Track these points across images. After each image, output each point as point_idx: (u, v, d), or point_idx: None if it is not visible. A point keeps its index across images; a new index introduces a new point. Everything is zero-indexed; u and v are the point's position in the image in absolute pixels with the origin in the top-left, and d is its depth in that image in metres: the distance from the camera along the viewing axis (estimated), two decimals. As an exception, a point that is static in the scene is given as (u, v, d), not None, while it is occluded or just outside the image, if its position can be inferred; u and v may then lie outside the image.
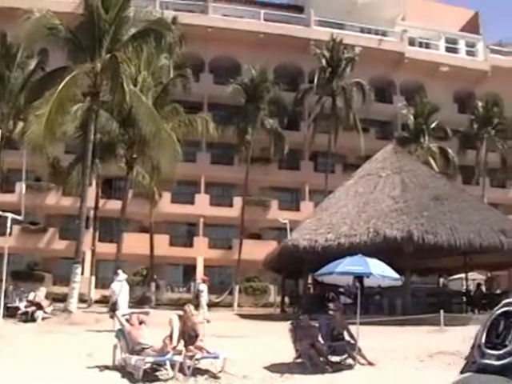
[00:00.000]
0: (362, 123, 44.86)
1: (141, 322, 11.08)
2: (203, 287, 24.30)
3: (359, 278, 12.66)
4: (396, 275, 12.21)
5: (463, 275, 29.58)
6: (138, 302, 28.06)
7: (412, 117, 46.38)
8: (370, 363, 10.99)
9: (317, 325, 11.73)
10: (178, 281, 45.03)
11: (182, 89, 34.46)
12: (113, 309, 17.42)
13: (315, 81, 43.54)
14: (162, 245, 41.57)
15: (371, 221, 23.99)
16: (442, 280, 33.30)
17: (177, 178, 32.20)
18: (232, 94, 41.33)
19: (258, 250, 37.22)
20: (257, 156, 43.76)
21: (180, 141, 28.47)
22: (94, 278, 35.05)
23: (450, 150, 45.73)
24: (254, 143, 41.59)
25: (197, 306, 23.72)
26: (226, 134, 38.53)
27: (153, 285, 37.04)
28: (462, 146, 47.94)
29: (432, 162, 41.83)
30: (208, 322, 21.85)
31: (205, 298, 23.98)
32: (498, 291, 29.25)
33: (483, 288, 29.77)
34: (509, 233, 23.82)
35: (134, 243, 37.34)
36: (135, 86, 27.15)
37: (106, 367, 10.25)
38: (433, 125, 45.84)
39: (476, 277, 32.62)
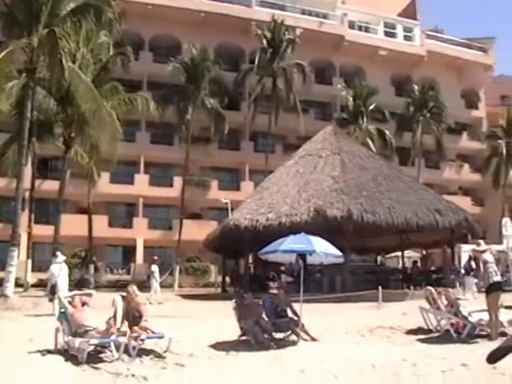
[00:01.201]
0: (302, 104, 45.23)
1: (83, 304, 10.89)
2: (155, 268, 24.19)
3: (302, 255, 12.85)
4: (338, 253, 12.45)
5: (400, 253, 30.44)
6: (77, 284, 27.60)
7: (351, 99, 47.09)
8: (313, 339, 11.19)
9: (260, 303, 11.87)
10: (117, 262, 44.64)
11: (122, 67, 33.78)
12: (52, 292, 17.07)
13: (256, 61, 43.57)
14: (101, 226, 41.04)
15: (312, 200, 24.31)
16: (379, 258, 34.11)
17: (116, 157, 31.69)
18: (172, 73, 40.97)
19: (198, 231, 37.22)
20: (197, 136, 43.52)
21: (120, 120, 27.98)
22: (30, 261, 34.26)
23: (387, 132, 46.69)
24: (194, 123, 41.35)
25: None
26: (165, 113, 38.16)
27: (91, 267, 36.56)
28: (399, 128, 49.08)
29: (370, 143, 42.60)
30: (160, 303, 21.79)
31: (157, 278, 23.87)
32: (433, 268, 30.24)
33: (419, 265, 30.70)
34: (443, 212, 24.63)
35: (72, 225, 36.64)
36: (74, 62, 26.36)
37: (49, 351, 10.02)
38: (371, 107, 46.70)
39: (412, 255, 33.62)
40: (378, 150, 40.23)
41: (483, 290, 12.13)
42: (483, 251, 11.65)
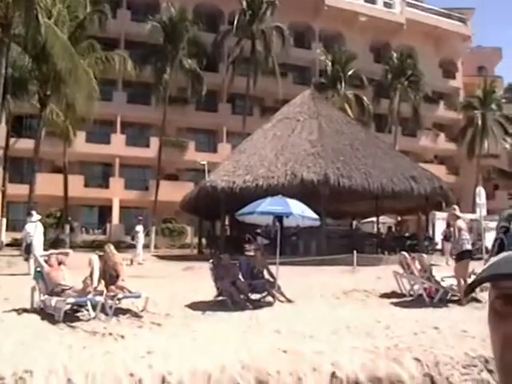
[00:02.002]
0: (280, 68, 44.99)
1: (60, 263, 10.90)
2: (139, 228, 24.13)
3: (279, 218, 12.95)
4: (315, 215, 12.57)
5: (375, 219, 30.78)
6: (52, 244, 27.47)
7: (330, 64, 46.91)
8: (289, 300, 11.37)
9: (237, 264, 11.98)
10: (93, 222, 44.48)
11: (99, 25, 33.12)
12: (27, 251, 17.03)
13: (235, 23, 43.09)
14: (77, 186, 40.72)
15: (289, 164, 24.39)
16: (354, 223, 34.49)
17: (92, 116, 31.27)
18: (150, 33, 40.24)
19: (174, 192, 37.14)
20: (174, 96, 43.06)
21: (96, 79, 27.57)
22: (4, 220, 33.96)
23: (365, 98, 46.70)
24: (172, 83, 40.84)
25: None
26: (143, 73, 37.66)
27: (67, 227, 36.32)
28: (377, 94, 49.18)
29: (348, 108, 42.61)
30: (140, 263, 21.81)
31: (141, 238, 23.80)
32: (407, 234, 30.69)
33: (394, 231, 31.13)
34: (418, 179, 24.90)
35: (47, 184, 36.30)
36: (49, 18, 25.81)
37: (25, 310, 10.03)
38: (349, 73, 46.63)
39: (386, 220, 34.04)
40: (355, 116, 40.28)
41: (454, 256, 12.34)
42: (458, 217, 11.85)
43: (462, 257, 11.11)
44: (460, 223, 11.62)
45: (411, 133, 53.67)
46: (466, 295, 10.35)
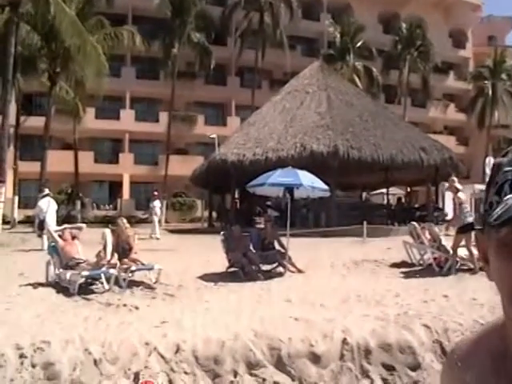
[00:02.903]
0: (288, 40, 44.78)
1: (74, 238, 11.06)
2: (157, 203, 24.20)
3: (289, 189, 13.02)
4: (325, 186, 12.63)
5: (384, 190, 30.76)
6: (63, 221, 27.74)
7: (338, 35, 46.56)
8: (300, 271, 11.48)
9: (248, 235, 12.10)
10: (103, 198, 44.76)
11: (106, 1, 33.00)
12: (40, 227, 17.18)
13: (243, -4, 42.78)
14: (87, 162, 40.98)
15: (298, 136, 24.40)
16: (364, 195, 34.51)
17: (102, 93, 31.29)
18: (158, 7, 40.02)
19: (184, 166, 37.33)
20: (183, 71, 43.01)
21: (105, 55, 27.55)
22: (16, 198, 34.24)
23: (374, 70, 46.40)
24: (180, 58, 40.69)
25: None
26: (151, 48, 37.50)
27: (78, 203, 36.62)
28: (386, 66, 48.77)
29: (357, 80, 42.39)
30: (157, 239, 21.94)
31: (158, 214, 23.89)
32: (417, 205, 30.68)
33: (403, 202, 31.13)
34: (428, 150, 24.83)
35: (58, 161, 36.53)
36: (57, -4, 25.77)
37: (40, 284, 10.18)
38: (358, 44, 46.25)
39: (396, 192, 34.00)
40: (364, 88, 40.12)
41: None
42: (458, 189, 11.80)
43: (464, 230, 11.11)
44: (460, 195, 11.60)
45: (421, 104, 53.33)
46: (458, 233, 10.67)
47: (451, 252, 11.30)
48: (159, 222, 25.75)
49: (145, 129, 44.65)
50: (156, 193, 25.93)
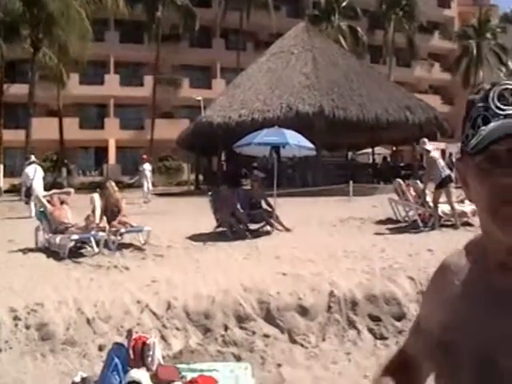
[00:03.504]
0: (273, 1, 44.31)
1: (62, 202, 11.08)
2: (147, 166, 24.08)
3: (276, 148, 13.10)
4: (311, 145, 12.73)
5: (370, 150, 30.92)
6: (50, 188, 27.59)
7: (323, -5, 46.17)
8: (287, 229, 11.62)
9: (235, 195, 12.19)
10: (89, 164, 44.60)
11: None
12: (27, 194, 17.12)
13: (226, -44, 42.16)
14: (72, 128, 40.71)
15: (284, 97, 24.38)
16: (350, 154, 34.66)
17: (86, 58, 30.93)
18: (140, -31, 39.41)
19: (170, 129, 37.18)
20: (167, 34, 42.58)
21: (89, 19, 27.19)
22: (1, 166, 34.01)
23: (359, 30, 46.23)
24: (164, 21, 40.32)
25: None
26: (135, 11, 37.01)
27: (64, 170, 36.48)
28: (371, 26, 48.63)
29: (342, 40, 42.25)
30: (145, 202, 21.94)
31: (148, 177, 23.77)
32: (402, 164, 30.90)
33: (389, 161, 31.32)
34: (413, 109, 24.92)
35: (43, 128, 36.38)
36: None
37: (30, 250, 10.22)
38: (343, 4, 46.09)
39: (382, 151, 34.19)
40: (349, 48, 39.90)
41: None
42: (428, 151, 11.93)
43: (443, 184, 11.26)
44: (432, 154, 11.74)
45: (406, 63, 53.21)
46: (437, 189, 10.92)
47: (450, 207, 11.49)
48: (152, 184, 25.70)
49: (130, 93, 44.27)
50: (145, 156, 25.81)
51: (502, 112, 1.10)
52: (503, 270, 1.17)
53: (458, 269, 1.29)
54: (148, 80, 43.77)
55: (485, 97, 1.17)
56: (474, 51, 48.81)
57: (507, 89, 1.14)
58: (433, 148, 12.17)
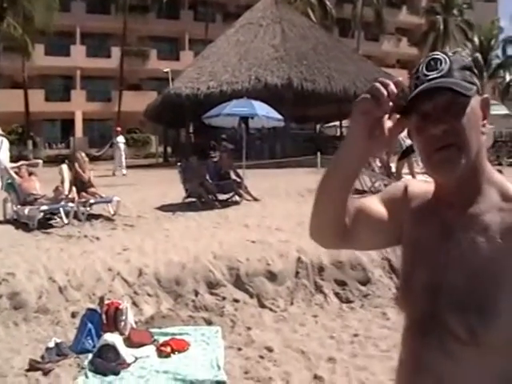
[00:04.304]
0: (242, -29, 43.83)
1: (30, 174, 11.05)
2: (120, 139, 23.76)
3: (244, 119, 13.19)
4: (279, 116, 12.85)
5: (338, 123, 31.14)
6: (15, 161, 27.24)
7: (292, -33, 45.79)
8: (256, 199, 11.76)
9: (204, 166, 12.28)
10: (56, 137, 44.02)
11: None
12: (-6, 166, 16.90)
13: None
14: (37, 100, 40.15)
15: (252, 69, 24.39)
16: (318, 127, 34.83)
17: (52, 28, 30.38)
18: None
19: (138, 102, 36.90)
20: (134, 4, 42.05)
21: (55, -12, 26.75)
22: (-35, 140, 33.29)
23: (328, 3, 46.10)
24: (132, -9, 39.75)
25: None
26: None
27: (29, 143, 36.04)
28: (340, -1, 48.55)
29: (311, 13, 42.08)
30: (124, 175, 21.75)
31: (122, 149, 23.42)
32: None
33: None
34: (381, 83, 25.13)
35: (7, 100, 35.75)
36: None
37: (-2, 222, 10.29)
38: (312, -23, 45.67)
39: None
40: (318, 21, 39.84)
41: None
42: None
43: (405, 155, 11.50)
44: None
45: (374, 37, 53.40)
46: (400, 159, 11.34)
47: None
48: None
49: (97, 65, 43.66)
50: (119, 129, 25.33)
51: (426, 77, 1.33)
52: (451, 208, 1.41)
53: (416, 196, 1.53)
54: (115, 51, 43.22)
55: (417, 68, 1.38)
56: (441, 27, 49.21)
57: (434, 58, 1.36)
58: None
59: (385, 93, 1.25)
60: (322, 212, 1.46)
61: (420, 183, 1.61)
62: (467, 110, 1.34)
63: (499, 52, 53.77)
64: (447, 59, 1.35)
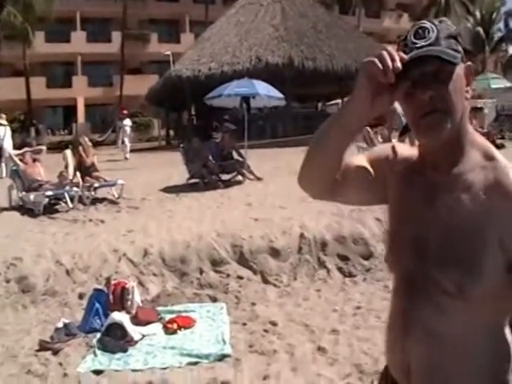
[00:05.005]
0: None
1: (34, 160, 11.12)
2: (127, 122, 23.53)
3: (246, 99, 13.21)
4: (280, 95, 12.86)
5: (339, 101, 31.03)
6: (19, 148, 27.23)
7: None
8: (258, 178, 11.79)
9: (207, 146, 12.32)
10: (58, 123, 44.04)
11: None
12: (-2, 155, 16.96)
13: None
14: (39, 87, 40.08)
15: (253, 48, 24.26)
16: (320, 105, 34.74)
17: (52, 15, 30.26)
18: None
19: (139, 85, 36.73)
20: (134, -12, 41.69)
21: (54, -25, 26.62)
22: (-32, 130, 33.27)
23: (327, -20, 45.65)
24: (131, -25, 39.44)
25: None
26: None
27: (32, 130, 36.04)
28: (339, -23, 48.05)
29: (310, -10, 41.71)
30: (126, 159, 21.72)
31: (128, 132, 23.24)
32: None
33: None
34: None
35: (9, 88, 35.77)
36: None
37: (4, 209, 10.32)
38: (312, -46, 45.17)
39: (351, 102, 34.24)
40: (318, -1, 39.55)
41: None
42: None
43: (405, 131, 11.46)
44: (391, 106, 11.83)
45: (375, 14, 53.02)
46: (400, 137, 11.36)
47: None
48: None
49: (97, 50, 43.48)
50: (125, 112, 24.93)
51: (414, 45, 1.39)
52: (436, 169, 1.50)
53: (403, 159, 1.62)
54: (115, 36, 43.03)
55: (405, 36, 1.45)
56: (442, 1, 48.72)
57: (422, 27, 1.43)
58: None
59: (391, 66, 1.31)
60: (316, 164, 1.56)
61: (406, 146, 1.70)
62: (453, 77, 1.42)
63: (501, 25, 53.28)
64: (434, 28, 1.41)
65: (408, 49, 1.39)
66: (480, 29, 48.69)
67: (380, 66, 1.30)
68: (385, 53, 1.32)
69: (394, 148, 1.67)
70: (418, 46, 1.38)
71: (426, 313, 1.46)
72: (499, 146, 12.44)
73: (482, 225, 1.39)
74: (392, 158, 1.64)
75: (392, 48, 1.35)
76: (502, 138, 19.13)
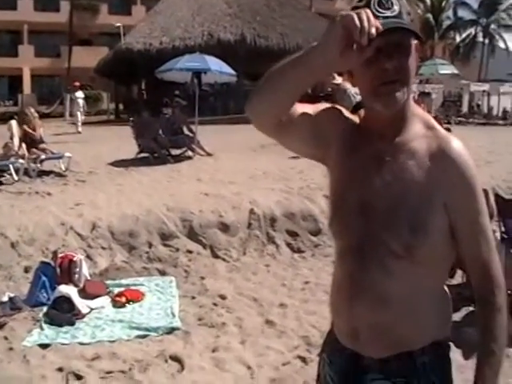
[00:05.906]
0: None
1: (-23, 131, 10.83)
2: (79, 94, 22.78)
3: (197, 74, 13.12)
4: (232, 71, 12.82)
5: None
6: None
7: None
8: (209, 154, 11.80)
9: (157, 121, 12.22)
10: (3, 94, 42.78)
11: None
12: None
13: None
14: (-17, 56, 38.81)
15: (205, 24, 24.12)
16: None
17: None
18: None
19: (88, 57, 35.96)
20: (83, -44, 40.66)
21: None
22: None
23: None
24: None
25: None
26: None
27: (-24, 100, 34.97)
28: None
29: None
30: (79, 132, 21.14)
31: (81, 105, 22.51)
32: (322, 94, 31.31)
33: (309, 91, 31.68)
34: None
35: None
36: None
37: None
38: None
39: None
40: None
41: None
42: (338, 84, 12.13)
43: (357, 108, 11.53)
44: (342, 86, 11.96)
45: (327, -5, 53.10)
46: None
47: None
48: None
49: (45, 19, 42.24)
50: (77, 83, 24.10)
51: (380, 15, 1.40)
52: (382, 138, 1.56)
53: (349, 126, 1.67)
54: (64, 5, 41.82)
55: (367, 4, 1.43)
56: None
57: None
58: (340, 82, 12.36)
59: (367, 29, 1.29)
60: (268, 94, 1.54)
61: (351, 114, 1.74)
62: (412, 50, 1.48)
63: (450, 13, 54.16)
64: (397, 1, 1.45)
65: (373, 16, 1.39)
66: (430, 15, 49.35)
67: (358, 24, 1.29)
68: (364, 14, 1.30)
69: (341, 112, 1.72)
70: (384, 15, 1.40)
71: (374, 276, 1.50)
72: (446, 130, 12.67)
73: (427, 189, 1.47)
74: (339, 121, 1.68)
75: (370, 12, 1.33)
76: (448, 122, 19.62)
